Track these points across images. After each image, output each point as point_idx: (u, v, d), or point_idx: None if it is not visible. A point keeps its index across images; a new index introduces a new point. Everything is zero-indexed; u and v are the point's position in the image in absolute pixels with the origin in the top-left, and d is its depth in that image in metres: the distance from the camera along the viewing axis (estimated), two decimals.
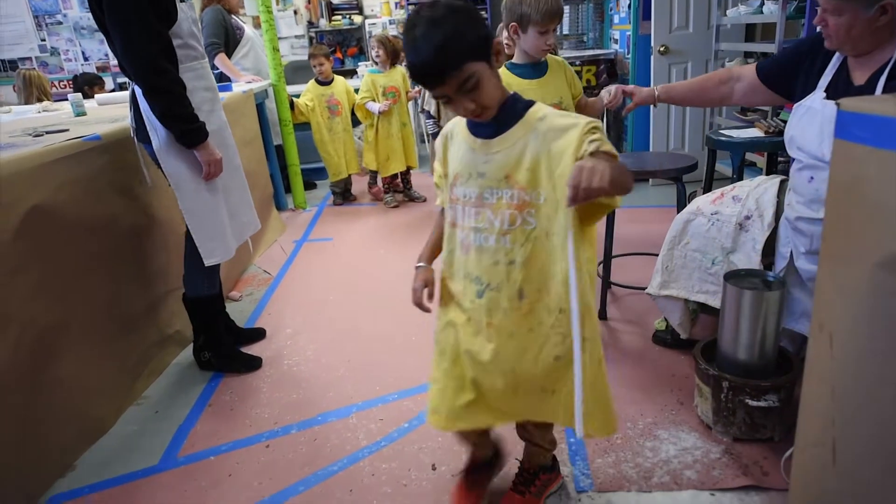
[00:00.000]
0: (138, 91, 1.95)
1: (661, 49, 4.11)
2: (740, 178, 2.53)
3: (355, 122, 4.47)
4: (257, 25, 4.90)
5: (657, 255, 2.07)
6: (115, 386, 2.16)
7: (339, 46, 7.29)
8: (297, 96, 4.34)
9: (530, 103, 1.19)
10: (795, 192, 1.76)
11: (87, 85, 4.62)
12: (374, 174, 4.55)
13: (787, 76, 1.85)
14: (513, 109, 1.17)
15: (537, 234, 1.18)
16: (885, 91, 1.54)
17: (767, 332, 1.68)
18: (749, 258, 1.85)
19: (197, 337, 2.37)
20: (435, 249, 1.36)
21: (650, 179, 4.25)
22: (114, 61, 6.09)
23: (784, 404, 1.68)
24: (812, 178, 1.69)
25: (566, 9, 5.02)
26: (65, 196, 1.97)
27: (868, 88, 1.59)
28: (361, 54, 7.30)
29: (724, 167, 3.83)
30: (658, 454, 1.72)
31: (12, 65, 6.22)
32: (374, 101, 4.12)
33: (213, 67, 3.98)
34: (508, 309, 1.22)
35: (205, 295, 2.29)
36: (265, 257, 3.54)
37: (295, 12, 7.08)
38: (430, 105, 3.91)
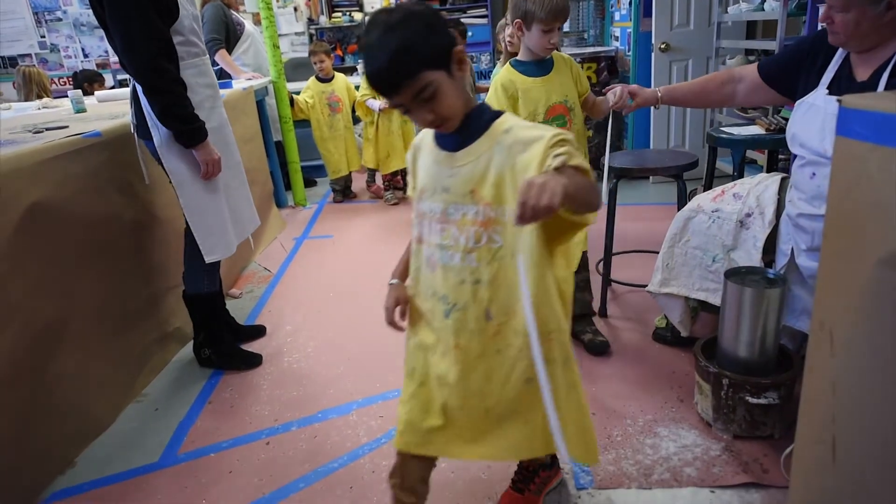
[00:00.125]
0: (139, 87, 1.95)
1: (662, 46, 4.10)
2: (741, 176, 2.53)
3: (356, 120, 4.46)
4: (257, 22, 4.90)
5: (658, 252, 2.07)
6: (115, 383, 2.16)
7: (340, 43, 7.27)
8: (298, 93, 4.34)
9: (497, 114, 1.13)
10: (797, 189, 1.76)
11: (86, 82, 4.63)
12: (372, 172, 4.55)
13: (789, 74, 1.84)
14: (478, 120, 1.11)
15: (504, 252, 1.12)
16: (887, 87, 1.54)
17: (768, 330, 1.68)
18: (750, 256, 1.85)
19: (197, 334, 2.37)
20: (408, 265, 1.29)
21: (651, 177, 4.25)
22: (114, 58, 6.09)
23: (784, 402, 1.68)
24: (814, 174, 1.69)
25: None
26: (65, 193, 1.97)
27: (871, 85, 1.59)
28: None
29: (725, 164, 3.82)
30: (658, 451, 1.72)
31: (12, 61, 6.21)
32: (374, 98, 4.12)
33: (214, 64, 3.98)
34: (476, 330, 1.17)
35: (205, 292, 2.29)
36: (265, 254, 3.54)
37: (295, 9, 7.07)
38: None
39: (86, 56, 6.39)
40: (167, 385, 2.30)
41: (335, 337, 2.53)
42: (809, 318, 1.40)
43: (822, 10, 1.63)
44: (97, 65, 6.32)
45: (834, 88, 1.68)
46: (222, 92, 2.50)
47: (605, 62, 4.49)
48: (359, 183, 4.79)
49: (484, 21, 5.99)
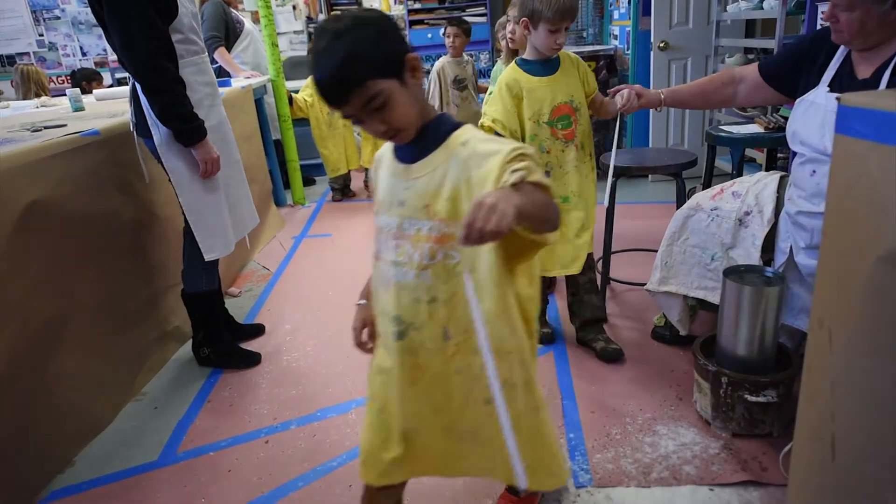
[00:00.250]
0: (139, 86, 1.95)
1: (661, 45, 4.10)
2: (740, 174, 2.52)
3: None
4: (256, 20, 4.89)
5: (656, 251, 2.07)
6: (114, 382, 2.16)
7: None
8: (297, 92, 4.34)
9: (456, 125, 1.08)
10: (797, 187, 1.76)
11: (85, 80, 4.61)
12: (369, 172, 4.54)
13: (790, 72, 1.84)
14: (436, 132, 1.07)
15: (461, 269, 1.07)
16: (889, 85, 1.54)
17: (767, 328, 1.68)
18: (748, 254, 1.85)
19: (196, 333, 2.37)
20: None
21: (649, 175, 4.25)
22: (112, 56, 6.08)
23: (783, 400, 1.68)
24: (814, 171, 1.69)
25: None
26: (63, 191, 1.96)
27: (872, 82, 1.59)
28: None
29: (724, 163, 3.82)
30: (657, 449, 1.72)
31: (10, 60, 6.20)
32: None
33: (213, 61, 3.97)
34: (433, 350, 1.13)
35: (204, 291, 2.29)
36: (264, 253, 3.54)
37: (294, 7, 7.05)
38: (435, 100, 3.90)
39: (84, 54, 6.38)
40: (166, 384, 2.30)
41: (334, 335, 2.53)
42: (808, 316, 1.40)
43: (821, 8, 1.63)
44: (95, 63, 6.31)
45: (835, 86, 1.68)
46: (221, 90, 2.50)
47: (604, 61, 4.49)
48: (357, 182, 4.78)
49: (483, 19, 5.98)
